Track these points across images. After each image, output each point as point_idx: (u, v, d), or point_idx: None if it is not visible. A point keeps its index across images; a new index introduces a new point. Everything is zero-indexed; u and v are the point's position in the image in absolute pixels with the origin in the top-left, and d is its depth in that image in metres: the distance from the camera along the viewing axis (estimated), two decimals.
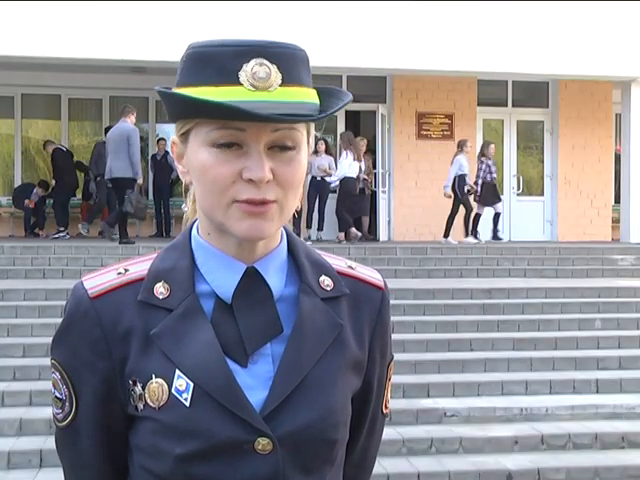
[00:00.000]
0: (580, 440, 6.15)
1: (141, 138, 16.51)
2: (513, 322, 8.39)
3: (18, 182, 15.69)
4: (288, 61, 1.14)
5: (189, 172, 1.21)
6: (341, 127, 14.67)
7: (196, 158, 1.16)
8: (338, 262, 1.32)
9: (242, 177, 1.13)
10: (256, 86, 1.12)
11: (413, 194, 14.21)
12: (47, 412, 6.06)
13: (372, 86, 14.26)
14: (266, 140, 1.14)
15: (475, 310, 8.71)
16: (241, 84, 1.12)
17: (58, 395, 1.25)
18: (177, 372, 1.16)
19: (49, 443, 5.67)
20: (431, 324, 8.20)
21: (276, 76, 1.12)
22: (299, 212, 12.02)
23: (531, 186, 15.40)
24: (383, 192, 13.87)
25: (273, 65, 1.12)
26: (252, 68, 1.12)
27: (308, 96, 1.17)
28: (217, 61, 1.13)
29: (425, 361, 7.26)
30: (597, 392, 7.05)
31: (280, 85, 1.13)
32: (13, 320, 7.78)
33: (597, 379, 7.15)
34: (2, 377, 6.65)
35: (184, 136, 1.19)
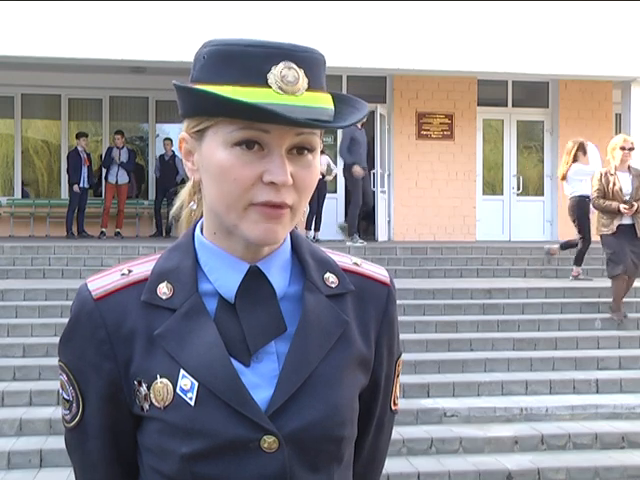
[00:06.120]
0: (580, 440, 6.16)
1: (140, 138, 16.60)
2: (513, 322, 8.40)
3: (18, 182, 15.69)
4: (313, 66, 1.14)
5: (199, 170, 1.20)
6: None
7: (214, 157, 1.15)
8: (343, 259, 1.32)
9: (262, 180, 1.13)
10: (284, 89, 1.11)
11: (413, 194, 14.21)
12: (47, 412, 6.06)
13: (372, 86, 14.26)
14: (288, 143, 1.13)
15: (475, 310, 8.71)
16: (269, 86, 1.11)
17: (66, 396, 1.25)
18: (182, 372, 1.16)
19: (49, 443, 5.66)
20: (431, 324, 8.20)
21: (303, 80, 1.12)
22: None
23: (531, 186, 15.39)
24: (382, 192, 13.82)
25: (300, 69, 1.12)
26: (281, 71, 1.11)
27: (328, 102, 1.17)
28: (244, 61, 1.12)
29: (425, 361, 7.26)
30: (597, 392, 7.05)
31: (307, 90, 1.13)
32: (13, 320, 7.78)
33: (597, 379, 7.15)
34: (2, 377, 6.64)
35: (199, 133, 1.18)
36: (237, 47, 1.13)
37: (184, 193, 1.33)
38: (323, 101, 1.15)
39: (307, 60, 1.13)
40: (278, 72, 1.11)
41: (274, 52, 1.12)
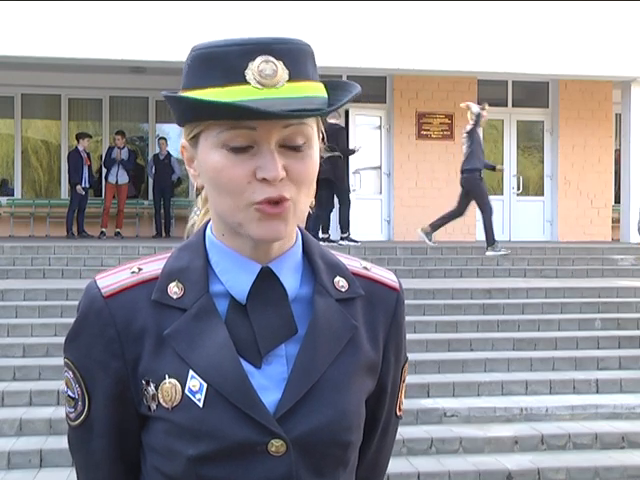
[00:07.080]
0: (580, 440, 6.15)
1: (141, 138, 16.61)
2: (513, 322, 8.39)
3: (18, 182, 15.69)
4: (294, 56, 1.13)
5: (200, 175, 1.20)
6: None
7: (208, 161, 1.15)
8: (353, 263, 1.31)
9: (256, 177, 1.13)
10: (263, 84, 1.11)
11: (413, 194, 14.21)
12: (47, 412, 6.06)
13: (372, 86, 14.25)
14: (277, 137, 1.13)
15: (475, 310, 8.71)
16: (248, 82, 1.11)
17: (71, 394, 1.24)
18: (191, 372, 1.15)
19: (49, 443, 5.66)
20: (431, 324, 8.19)
21: (282, 72, 1.12)
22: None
23: (531, 186, 15.39)
24: (353, 191, 13.36)
25: (279, 61, 1.12)
26: (258, 66, 1.11)
27: (316, 90, 1.16)
28: (223, 61, 1.12)
29: (425, 361, 7.25)
30: (597, 392, 7.05)
31: (287, 81, 1.12)
32: (13, 320, 7.77)
33: (597, 379, 7.15)
34: (2, 377, 6.63)
35: (194, 140, 1.18)
36: (217, 48, 1.13)
37: (198, 200, 1.33)
38: (308, 90, 1.14)
39: (286, 52, 1.13)
40: (255, 67, 1.11)
41: (251, 48, 1.12)
